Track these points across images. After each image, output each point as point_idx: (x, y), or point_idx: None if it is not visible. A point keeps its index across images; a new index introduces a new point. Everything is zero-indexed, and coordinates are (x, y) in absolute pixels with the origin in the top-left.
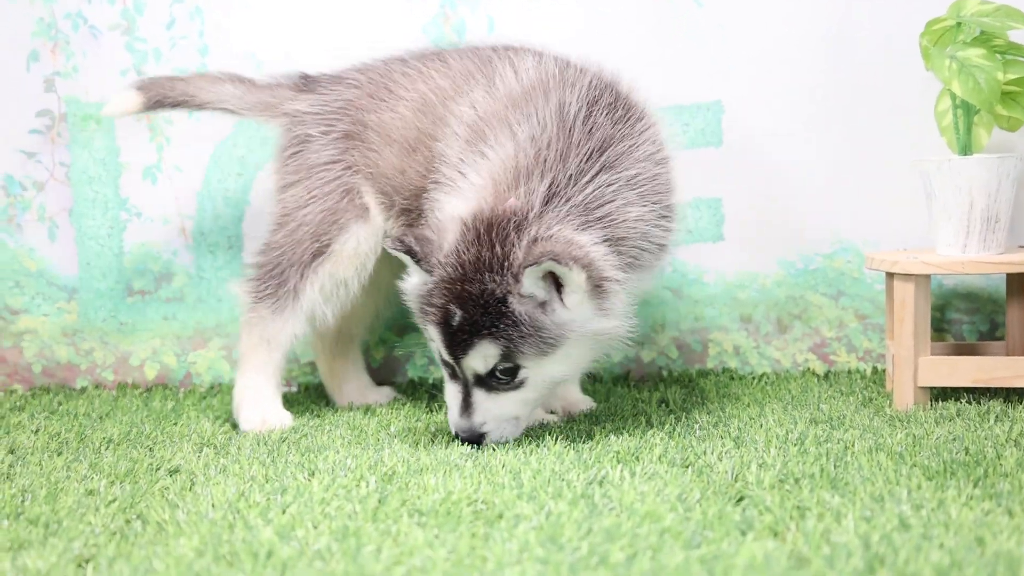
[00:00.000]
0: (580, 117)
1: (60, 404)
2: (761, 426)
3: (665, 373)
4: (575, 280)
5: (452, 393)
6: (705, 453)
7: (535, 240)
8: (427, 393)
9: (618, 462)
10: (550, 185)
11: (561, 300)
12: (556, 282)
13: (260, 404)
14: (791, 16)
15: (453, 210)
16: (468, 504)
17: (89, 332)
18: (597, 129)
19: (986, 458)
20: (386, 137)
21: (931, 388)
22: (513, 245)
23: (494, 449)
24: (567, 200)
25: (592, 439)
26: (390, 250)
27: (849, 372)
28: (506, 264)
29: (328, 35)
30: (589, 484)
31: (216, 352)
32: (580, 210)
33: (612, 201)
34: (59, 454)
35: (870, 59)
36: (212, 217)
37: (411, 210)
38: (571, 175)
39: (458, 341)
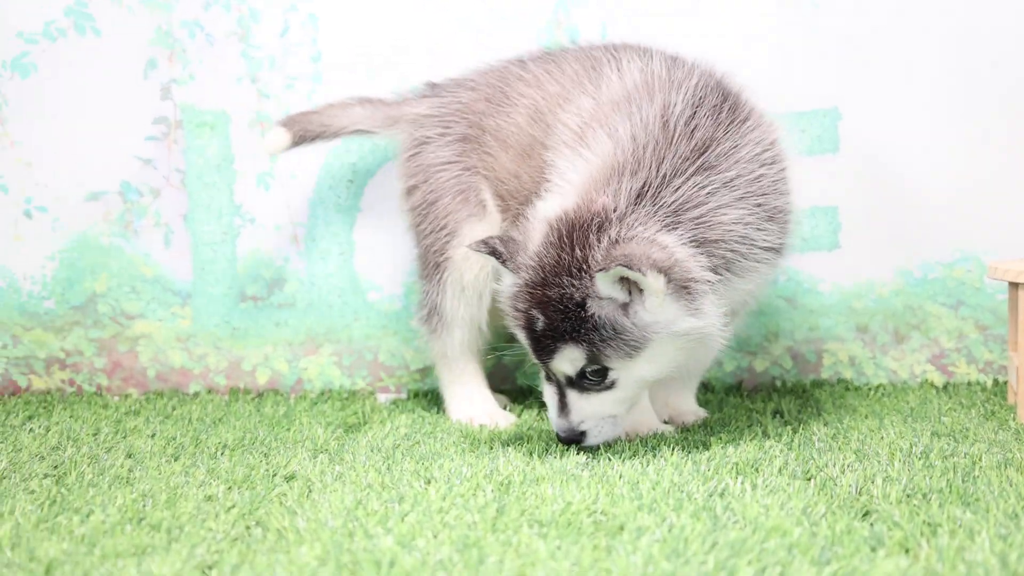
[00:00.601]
0: (683, 118)
1: (174, 409)
2: (882, 438)
3: (779, 383)
4: (651, 285)
5: (549, 394)
6: (827, 466)
7: (615, 242)
8: (537, 401)
9: (737, 474)
10: (642, 185)
11: (642, 302)
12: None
13: (465, 404)
14: (914, 13)
15: (545, 211)
16: (588, 515)
17: (202, 337)
18: (699, 129)
19: None
20: (502, 142)
21: None
22: (592, 247)
23: (610, 459)
24: (657, 200)
25: (709, 449)
26: (475, 251)
27: (969, 384)
28: (584, 267)
29: (441, 41)
30: (710, 496)
31: (327, 358)
32: (670, 210)
33: (706, 203)
34: (176, 459)
35: (1002, 56)
36: (323, 224)
37: (516, 212)
38: (665, 175)
39: (543, 346)
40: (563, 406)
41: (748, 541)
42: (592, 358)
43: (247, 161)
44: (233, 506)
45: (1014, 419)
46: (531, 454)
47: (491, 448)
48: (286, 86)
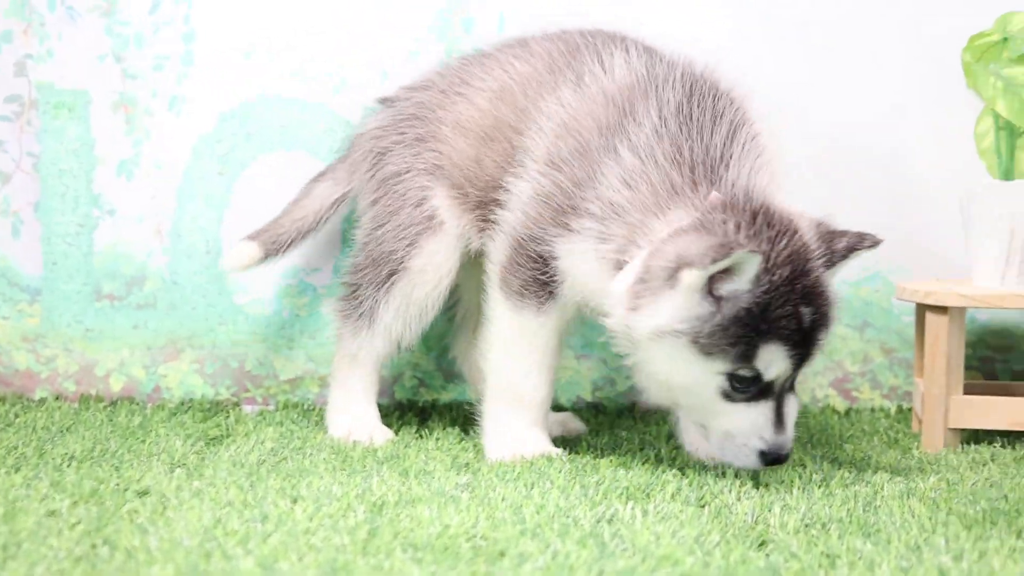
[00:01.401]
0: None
1: (17, 416)
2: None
3: None
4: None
5: (756, 411)
6: (722, 492)
7: (827, 229)
8: (416, 416)
9: (628, 499)
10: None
11: None
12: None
13: (346, 417)
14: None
15: (676, 220)
16: (467, 539)
17: (52, 338)
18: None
19: None
20: (459, 128)
21: (962, 430)
22: (806, 234)
23: (492, 480)
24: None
25: (598, 473)
26: (718, 265)
27: (872, 410)
28: (821, 254)
29: (324, 27)
30: (598, 522)
31: (188, 365)
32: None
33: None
34: (17, 470)
35: (905, 77)
36: (191, 218)
37: (486, 203)
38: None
39: (812, 342)
40: (779, 418)
41: (637, 570)
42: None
43: (108, 147)
44: (78, 522)
45: (918, 448)
46: (407, 473)
47: (364, 466)
48: (154, 66)
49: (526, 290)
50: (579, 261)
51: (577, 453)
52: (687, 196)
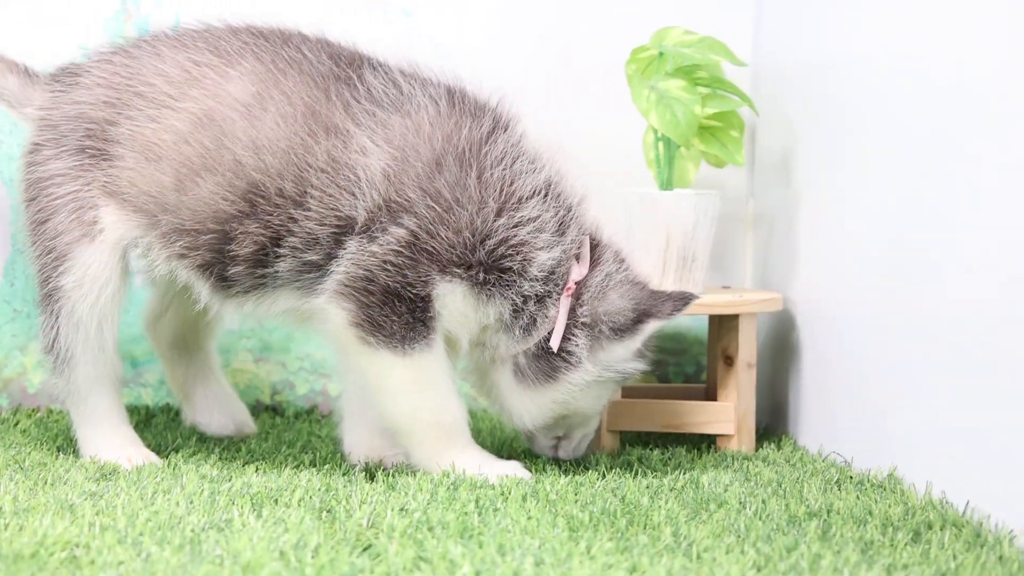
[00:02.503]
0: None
1: None
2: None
3: None
4: None
5: None
6: (349, 498)
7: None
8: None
9: (251, 506)
10: None
11: None
12: None
13: (98, 446)
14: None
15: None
16: (62, 549)
17: None
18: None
19: (639, 508)
20: (148, 154)
21: (623, 432)
22: None
23: (123, 487)
24: None
25: (234, 479)
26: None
27: None
28: None
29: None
30: (205, 529)
31: None
32: None
33: None
34: None
35: (584, 79)
36: None
37: (199, 232)
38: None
39: None
40: None
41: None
42: None
43: None
44: None
45: None
46: (43, 482)
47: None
48: None
49: (410, 331)
50: (464, 305)
51: (228, 459)
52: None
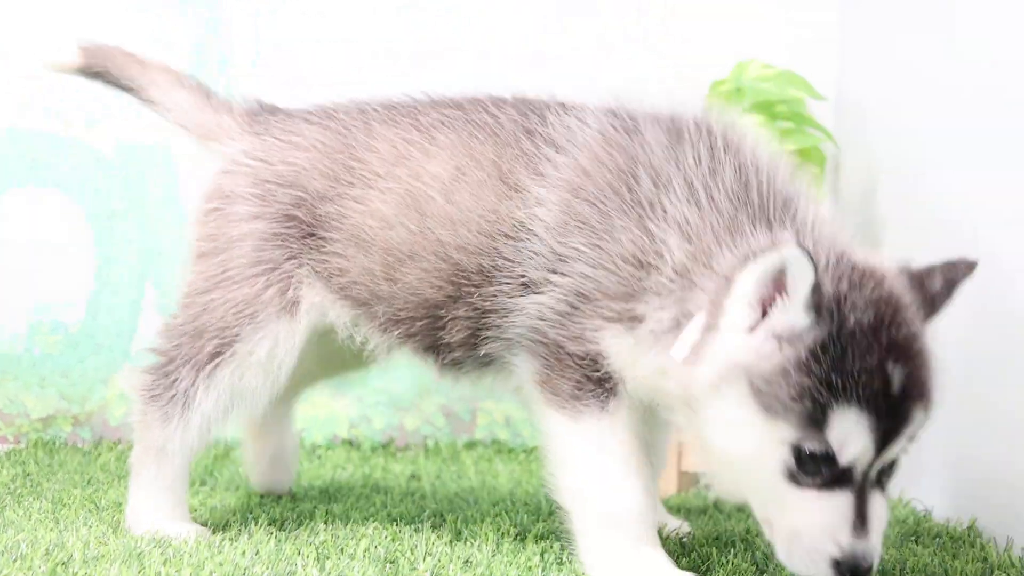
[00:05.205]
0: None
1: None
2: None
3: (430, 443)
4: None
5: (829, 506)
6: (415, 548)
7: (905, 269)
8: None
9: (317, 557)
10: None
11: None
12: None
13: (153, 522)
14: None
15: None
16: None
17: None
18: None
19: (707, 559)
20: (357, 239)
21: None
22: (891, 279)
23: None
24: None
25: (303, 526)
26: (765, 264)
27: None
28: (924, 297)
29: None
30: None
31: None
32: None
33: None
34: None
35: None
36: None
37: (415, 319)
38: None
39: (901, 416)
40: (863, 519)
41: None
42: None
43: None
44: None
45: None
46: (116, 527)
47: (77, 518)
48: None
49: (580, 391)
50: (636, 352)
51: (299, 499)
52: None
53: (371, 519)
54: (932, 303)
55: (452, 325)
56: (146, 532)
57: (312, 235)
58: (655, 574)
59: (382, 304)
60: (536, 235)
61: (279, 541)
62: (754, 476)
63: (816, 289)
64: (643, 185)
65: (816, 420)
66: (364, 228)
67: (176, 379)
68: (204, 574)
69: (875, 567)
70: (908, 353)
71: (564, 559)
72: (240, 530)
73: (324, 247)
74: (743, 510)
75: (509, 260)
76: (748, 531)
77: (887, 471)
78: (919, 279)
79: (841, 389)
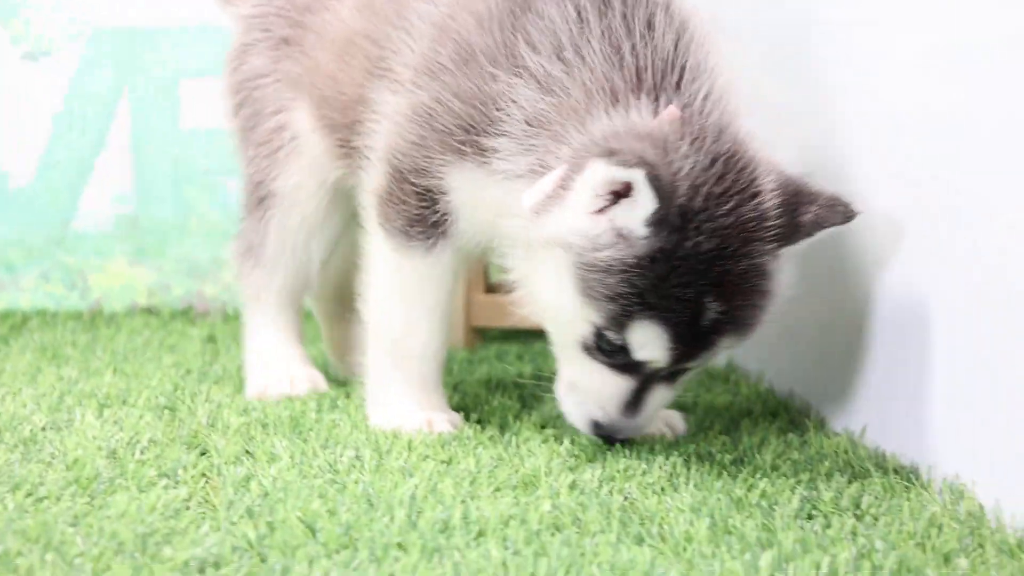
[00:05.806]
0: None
1: None
2: None
3: (230, 309)
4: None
5: (611, 382)
6: (195, 396)
7: (790, 186)
8: None
9: (98, 406)
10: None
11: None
12: None
13: (265, 369)
14: None
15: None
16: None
17: None
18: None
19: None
20: (323, 38)
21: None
22: (765, 197)
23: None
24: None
25: (87, 380)
26: (616, 170)
27: None
28: (785, 224)
29: None
30: (45, 429)
31: None
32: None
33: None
34: None
35: None
36: None
37: (339, 126)
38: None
39: (703, 343)
40: (637, 402)
41: None
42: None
43: None
44: None
45: None
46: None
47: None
48: None
49: (411, 228)
50: (478, 190)
51: (88, 360)
52: (628, 104)
53: (156, 374)
54: (792, 233)
55: (359, 127)
56: (256, 389)
57: (300, 47)
58: (421, 412)
59: (326, 107)
60: (411, 48)
61: (62, 394)
62: (560, 332)
63: (665, 202)
64: (501, 33)
65: (620, 322)
66: (327, 28)
67: (246, 232)
68: None
69: (631, 440)
70: (735, 291)
71: (339, 403)
72: (26, 383)
73: (306, 59)
74: (522, 358)
75: (394, 51)
76: (520, 374)
77: (682, 372)
78: (793, 202)
79: (650, 307)
